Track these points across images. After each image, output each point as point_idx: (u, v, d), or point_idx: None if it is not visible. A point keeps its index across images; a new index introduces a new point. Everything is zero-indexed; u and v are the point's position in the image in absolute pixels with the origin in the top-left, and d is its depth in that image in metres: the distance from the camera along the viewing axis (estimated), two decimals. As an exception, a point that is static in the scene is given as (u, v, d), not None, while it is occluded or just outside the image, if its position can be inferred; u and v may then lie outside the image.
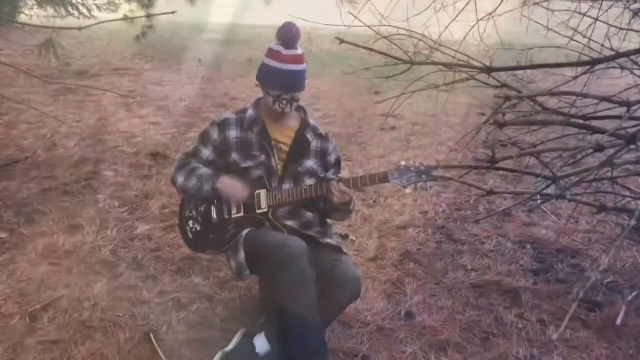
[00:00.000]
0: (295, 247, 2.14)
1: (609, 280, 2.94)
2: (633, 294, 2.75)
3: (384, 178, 2.31)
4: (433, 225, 3.56)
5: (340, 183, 2.29)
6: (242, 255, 2.28)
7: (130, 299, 2.65)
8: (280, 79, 2.32)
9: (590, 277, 2.73)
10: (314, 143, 2.48)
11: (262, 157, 2.39)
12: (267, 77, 2.36)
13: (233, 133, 2.42)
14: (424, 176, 2.29)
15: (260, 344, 2.26)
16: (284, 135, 2.45)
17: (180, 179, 2.42)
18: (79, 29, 2.80)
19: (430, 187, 2.33)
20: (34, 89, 6.76)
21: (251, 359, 2.23)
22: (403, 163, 2.33)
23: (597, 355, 2.37)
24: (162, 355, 2.28)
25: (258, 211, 2.36)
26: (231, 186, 2.35)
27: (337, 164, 2.57)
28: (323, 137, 2.52)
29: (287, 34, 2.33)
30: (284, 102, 2.35)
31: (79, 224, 3.36)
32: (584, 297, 2.78)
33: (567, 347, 2.42)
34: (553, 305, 2.72)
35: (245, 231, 2.34)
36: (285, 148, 2.44)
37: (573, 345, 2.44)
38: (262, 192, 2.37)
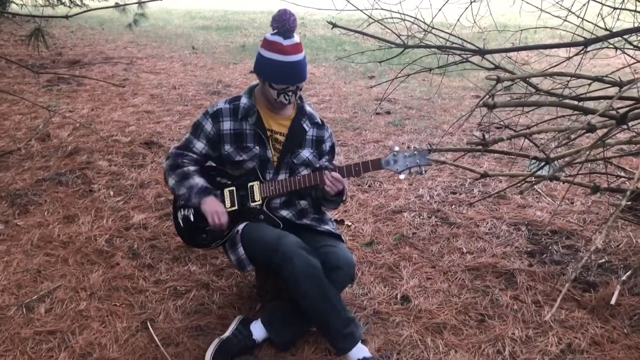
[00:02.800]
0: (288, 244, 2.14)
1: (603, 260, 2.96)
2: (627, 273, 2.77)
3: (377, 165, 2.31)
4: (428, 209, 3.56)
5: (334, 172, 2.28)
6: (241, 251, 2.29)
7: (127, 288, 2.66)
8: (286, 71, 2.25)
9: (584, 257, 2.74)
10: (310, 132, 2.46)
11: (257, 149, 2.36)
12: (271, 70, 2.27)
13: (227, 125, 2.37)
14: (417, 160, 2.29)
15: (258, 330, 2.27)
16: (280, 124, 2.41)
17: (171, 182, 2.38)
18: (67, 17, 2.77)
19: (424, 171, 2.33)
20: (27, 79, 6.72)
21: (248, 345, 2.24)
22: (397, 149, 2.33)
23: (592, 335, 2.39)
24: (159, 344, 2.29)
25: (252, 204, 2.35)
26: (213, 211, 2.29)
27: (332, 151, 2.57)
28: (319, 125, 2.49)
29: (285, 23, 2.25)
30: (289, 93, 2.30)
31: (74, 214, 3.35)
32: (578, 277, 2.79)
33: (562, 327, 2.44)
34: (548, 286, 2.73)
35: (241, 226, 2.33)
36: (281, 138, 2.41)
37: (568, 325, 2.45)
38: (256, 185, 2.36)
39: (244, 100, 2.39)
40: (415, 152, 2.31)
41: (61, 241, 3.05)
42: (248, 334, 2.26)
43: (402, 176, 2.31)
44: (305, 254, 2.14)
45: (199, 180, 2.36)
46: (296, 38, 2.28)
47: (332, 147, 2.57)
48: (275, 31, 2.28)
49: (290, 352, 2.27)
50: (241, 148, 2.36)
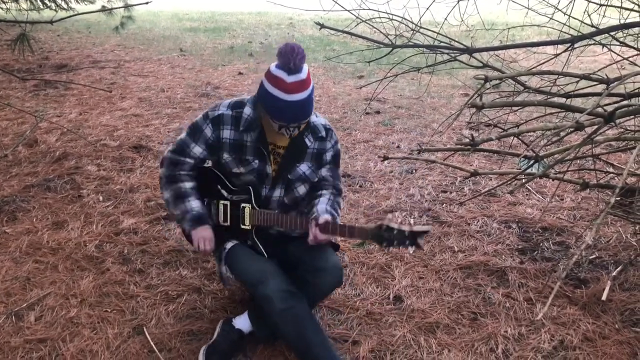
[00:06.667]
0: (271, 285, 2.11)
1: (594, 256, 2.97)
2: (618, 269, 2.78)
3: (365, 235, 2.15)
4: (419, 208, 3.57)
5: (317, 229, 2.14)
6: (225, 269, 2.29)
7: (118, 294, 2.64)
8: (286, 111, 2.08)
9: (574, 254, 2.76)
10: (312, 146, 2.32)
11: (256, 163, 2.26)
12: (271, 107, 2.10)
13: (227, 134, 2.25)
14: (407, 242, 2.07)
15: (243, 323, 2.28)
16: (283, 138, 2.27)
17: (166, 195, 2.33)
18: (51, 22, 2.74)
19: (413, 250, 2.25)
20: (13, 84, 6.66)
21: (235, 339, 2.24)
22: (394, 225, 2.08)
23: (584, 330, 2.40)
24: (155, 348, 2.27)
25: (242, 227, 2.32)
26: (201, 241, 2.28)
27: (334, 160, 2.41)
28: (322, 138, 2.33)
29: (290, 59, 2.02)
30: (291, 129, 2.15)
31: (64, 220, 3.32)
32: (569, 274, 2.81)
33: (554, 324, 2.45)
34: (540, 283, 2.74)
35: (229, 244, 2.31)
36: (283, 152, 2.30)
37: (560, 322, 2.46)
38: (247, 208, 2.30)
39: (247, 111, 2.24)
40: (406, 232, 2.06)
41: (50, 248, 3.02)
42: (231, 328, 2.27)
43: (387, 249, 2.14)
44: (288, 296, 2.11)
45: (194, 205, 2.30)
46: (302, 74, 2.05)
47: (335, 156, 2.41)
48: (280, 64, 2.07)
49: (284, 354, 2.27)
50: (240, 160, 2.26)
